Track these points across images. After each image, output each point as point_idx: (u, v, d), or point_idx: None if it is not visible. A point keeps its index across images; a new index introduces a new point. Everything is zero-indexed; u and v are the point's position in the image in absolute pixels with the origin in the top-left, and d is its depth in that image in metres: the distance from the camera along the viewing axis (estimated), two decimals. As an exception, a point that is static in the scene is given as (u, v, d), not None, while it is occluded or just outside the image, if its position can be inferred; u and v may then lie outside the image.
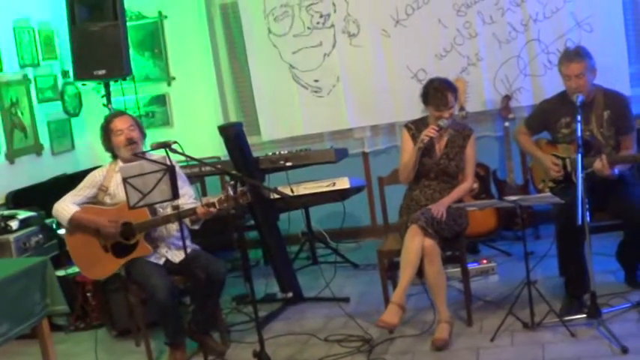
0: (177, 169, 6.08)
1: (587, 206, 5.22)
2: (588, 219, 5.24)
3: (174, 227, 5.87)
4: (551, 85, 7.49)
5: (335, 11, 8.53)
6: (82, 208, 5.96)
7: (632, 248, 6.12)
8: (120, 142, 5.98)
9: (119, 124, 6.02)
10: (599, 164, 5.69)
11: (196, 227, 6.01)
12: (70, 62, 8.00)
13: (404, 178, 6.22)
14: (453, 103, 6.11)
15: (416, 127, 6.22)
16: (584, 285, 5.67)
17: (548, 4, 8.09)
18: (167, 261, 5.95)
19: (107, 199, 6.01)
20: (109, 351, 6.49)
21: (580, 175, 5.29)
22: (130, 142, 5.96)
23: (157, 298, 5.60)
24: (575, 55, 6.03)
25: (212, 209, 5.64)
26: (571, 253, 5.83)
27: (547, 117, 6.33)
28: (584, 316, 5.58)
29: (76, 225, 5.95)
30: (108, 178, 5.99)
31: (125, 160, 5.97)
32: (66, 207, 5.95)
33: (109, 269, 5.99)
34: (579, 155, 5.40)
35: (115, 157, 6.13)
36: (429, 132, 5.97)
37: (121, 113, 6.30)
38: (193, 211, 5.73)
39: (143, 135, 6.13)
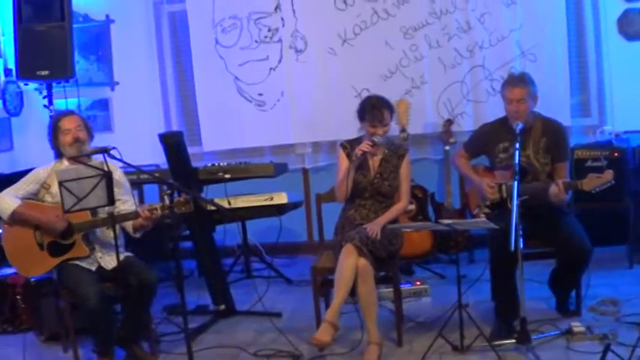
0: (123, 177, 6.08)
1: (520, 233, 5.27)
2: (521, 245, 5.28)
3: (111, 233, 5.81)
4: (493, 111, 7.57)
5: (283, 26, 8.55)
6: (24, 203, 5.88)
7: (565, 277, 6.18)
8: (66, 141, 5.93)
9: (67, 123, 5.97)
10: (555, 189, 5.77)
11: (138, 235, 5.97)
12: (14, 61, 7.90)
13: (339, 195, 6.23)
14: (389, 120, 6.15)
15: (351, 145, 6.23)
16: (515, 310, 5.69)
17: (494, 32, 8.19)
18: (99, 267, 5.89)
19: (48, 198, 5.93)
20: (36, 356, 6.38)
21: (515, 201, 5.34)
22: (77, 141, 5.91)
23: (87, 304, 5.53)
24: (519, 80, 6.12)
25: (155, 213, 5.60)
26: (503, 279, 5.87)
27: (486, 141, 6.40)
28: (514, 341, 5.60)
29: (17, 219, 5.86)
30: (51, 176, 5.90)
31: (70, 160, 5.92)
32: (8, 200, 5.86)
33: (43, 267, 5.90)
34: (515, 182, 5.45)
35: (60, 155, 6.07)
36: (363, 147, 5.99)
37: (70, 113, 6.23)
38: (134, 214, 5.69)
39: (91, 136, 6.07)
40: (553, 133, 6.19)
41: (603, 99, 8.28)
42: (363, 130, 6.26)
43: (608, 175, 5.60)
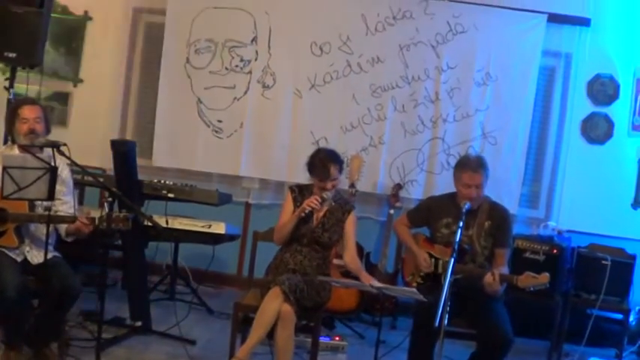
0: (69, 177, 6.02)
1: (447, 309, 5.28)
2: (446, 322, 5.29)
3: (44, 229, 5.73)
4: (444, 184, 7.63)
5: (256, 59, 8.58)
6: None
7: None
8: (22, 129, 5.87)
9: (27, 112, 5.92)
10: (490, 278, 5.78)
11: (69, 240, 5.90)
12: (-17, 38, 7.82)
13: (278, 238, 6.22)
14: (337, 175, 6.16)
15: (299, 191, 6.25)
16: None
17: (460, 108, 8.29)
18: (25, 260, 5.81)
19: (-10, 181, 5.85)
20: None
21: (448, 278, 5.35)
22: (32, 132, 5.84)
23: (5, 294, 5.43)
24: (479, 166, 6.13)
25: (90, 227, 5.55)
26: (422, 351, 5.87)
27: (430, 213, 6.42)
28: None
29: None
30: (-2, 159, 5.84)
31: (20, 147, 5.85)
32: None
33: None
34: (452, 259, 5.46)
35: (13, 141, 6.01)
36: (311, 202, 5.99)
37: (32, 102, 6.16)
38: (72, 219, 5.62)
39: (47, 130, 6.02)
40: (498, 218, 6.23)
41: (553, 194, 8.41)
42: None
43: (545, 278, 5.63)
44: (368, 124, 8.45)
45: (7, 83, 7.85)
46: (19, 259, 5.79)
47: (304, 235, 6.15)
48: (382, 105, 8.42)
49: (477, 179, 6.09)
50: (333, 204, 6.24)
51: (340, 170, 6.21)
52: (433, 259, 6.21)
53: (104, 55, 8.91)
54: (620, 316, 7.56)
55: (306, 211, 6.01)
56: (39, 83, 8.44)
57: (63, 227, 5.81)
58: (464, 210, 5.90)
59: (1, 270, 5.57)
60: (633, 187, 8.13)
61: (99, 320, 5.44)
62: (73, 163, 5.56)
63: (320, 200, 6.01)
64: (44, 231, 5.56)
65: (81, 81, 9.01)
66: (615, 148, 8.31)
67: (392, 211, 8.10)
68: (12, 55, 7.63)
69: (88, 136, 8.54)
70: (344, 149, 8.09)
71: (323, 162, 6.12)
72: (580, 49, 8.29)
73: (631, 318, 7.58)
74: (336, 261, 7.14)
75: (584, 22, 8.23)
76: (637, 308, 7.70)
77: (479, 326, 5.96)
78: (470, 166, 6.16)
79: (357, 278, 6.06)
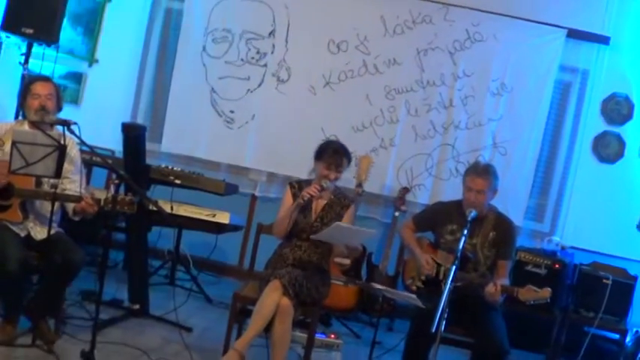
0: (77, 156, 6.02)
1: (445, 316, 5.27)
2: (443, 328, 5.28)
3: (49, 207, 5.72)
4: (451, 191, 7.64)
5: (272, 53, 8.59)
6: None
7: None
8: (32, 105, 5.87)
9: (39, 88, 5.92)
10: (492, 289, 5.77)
11: (77, 219, 5.89)
12: (2, 11, 7.81)
13: (277, 232, 6.22)
14: (344, 169, 6.18)
15: (299, 186, 6.25)
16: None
17: (473, 117, 8.29)
18: (28, 235, 5.82)
19: (-1, 153, 5.86)
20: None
21: (449, 285, 5.33)
22: (42, 109, 5.84)
23: (7, 267, 5.43)
24: (484, 171, 6.12)
25: (94, 208, 5.56)
26: (417, 356, 5.85)
27: (436, 219, 6.41)
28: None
29: None
30: (9, 134, 5.82)
31: (30, 124, 5.86)
32: None
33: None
34: (454, 267, 5.45)
35: (24, 116, 6.02)
36: (311, 190, 5.99)
37: (46, 79, 6.14)
38: (77, 198, 5.62)
39: (59, 108, 6.01)
40: (503, 229, 6.22)
41: (559, 209, 8.41)
42: (314, 172, 6.28)
43: (546, 292, 5.62)
44: (380, 125, 8.45)
45: (22, 59, 7.86)
46: (22, 234, 5.79)
47: (303, 230, 6.15)
48: (395, 107, 8.43)
49: (480, 184, 6.07)
50: (332, 197, 6.24)
51: (347, 164, 6.23)
52: (435, 265, 6.20)
53: (121, 38, 8.91)
54: (617, 336, 7.57)
55: (305, 199, 6.00)
56: (54, 61, 8.45)
57: (70, 206, 5.80)
58: (469, 218, 5.89)
59: (4, 244, 5.57)
60: (640, 208, 8.14)
61: (97, 300, 5.42)
62: (82, 143, 5.56)
63: (319, 188, 6.01)
64: (49, 208, 5.56)
65: (96, 61, 9.01)
66: (625, 169, 8.31)
67: (397, 214, 8.10)
68: (29, 30, 7.67)
69: (99, 116, 8.54)
70: (354, 149, 8.04)
71: (336, 150, 6.16)
72: (597, 67, 8.29)
73: (628, 339, 7.56)
74: (337, 259, 7.14)
75: (603, 40, 8.22)
76: (634, 330, 7.67)
77: (475, 335, 5.95)
78: (474, 170, 6.17)
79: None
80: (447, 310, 5.24)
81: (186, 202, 7.49)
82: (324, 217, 6.20)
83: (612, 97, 8.27)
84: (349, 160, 6.25)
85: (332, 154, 6.13)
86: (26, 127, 5.86)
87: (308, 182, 6.26)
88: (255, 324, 5.63)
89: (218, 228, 7.48)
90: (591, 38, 8.24)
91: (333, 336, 7.07)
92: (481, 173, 6.11)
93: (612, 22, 8.24)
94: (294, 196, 6.19)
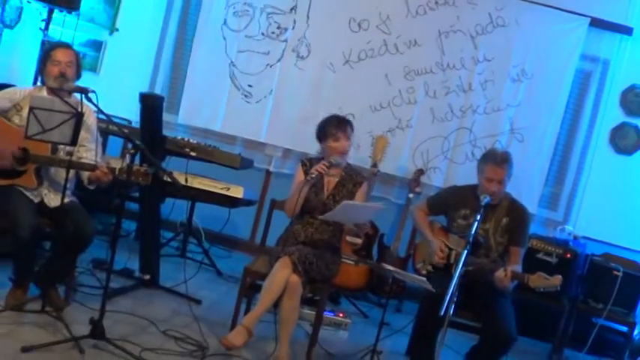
0: (94, 124, 6.03)
1: (454, 300, 5.26)
2: (452, 312, 5.28)
3: (64, 174, 5.72)
4: (466, 175, 7.58)
5: (293, 28, 8.56)
6: None
7: (483, 356, 6.16)
8: (52, 71, 5.86)
9: (60, 55, 5.91)
10: (502, 274, 5.75)
11: (92, 187, 5.89)
12: (24, -24, 7.84)
13: (288, 209, 6.21)
14: (348, 136, 6.18)
15: (310, 163, 6.24)
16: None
17: (491, 102, 8.26)
18: (42, 202, 5.83)
19: (16, 119, 5.82)
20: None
21: (459, 269, 5.33)
22: (62, 76, 5.84)
23: (19, 232, 5.45)
24: (503, 161, 6.08)
25: (109, 177, 5.57)
26: (424, 338, 5.86)
27: (450, 203, 6.40)
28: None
29: None
30: (27, 99, 5.81)
31: (49, 90, 5.86)
32: None
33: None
34: (465, 251, 5.44)
35: (42, 82, 6.02)
36: (320, 167, 6.00)
37: (67, 46, 6.14)
38: (92, 166, 5.62)
39: (78, 76, 6.01)
40: (517, 216, 6.20)
41: (574, 199, 8.38)
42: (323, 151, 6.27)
43: (557, 280, 5.61)
44: (397, 106, 8.43)
45: (42, 25, 7.86)
46: (36, 200, 5.80)
47: (315, 207, 6.15)
48: (414, 89, 8.40)
49: (500, 174, 6.05)
50: (344, 175, 6.24)
51: (352, 132, 6.24)
52: (447, 249, 6.19)
53: (143, 7, 8.91)
54: (625, 329, 7.54)
55: (313, 176, 5.99)
56: (74, 28, 8.44)
57: (85, 174, 5.80)
58: (483, 203, 5.88)
59: (17, 209, 5.59)
60: (654, 201, 8.11)
61: (108, 269, 5.43)
62: (99, 111, 5.56)
63: (327, 165, 6.01)
64: (64, 175, 5.58)
65: (117, 30, 9.00)
66: (642, 161, 8.27)
67: (411, 196, 8.08)
68: (51, -4, 7.66)
69: (117, 85, 8.55)
70: (370, 128, 8.11)
71: (339, 120, 6.21)
72: (619, 57, 8.24)
73: (635, 332, 7.54)
74: (349, 238, 7.15)
75: (626, 30, 8.17)
76: (643, 323, 7.67)
77: (484, 320, 5.95)
78: (495, 159, 6.11)
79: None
80: (457, 294, 5.24)
81: (201, 174, 7.49)
82: (335, 194, 6.20)
83: (632, 89, 8.22)
84: (352, 130, 6.25)
85: (337, 124, 6.14)
86: (44, 93, 5.87)
87: (319, 159, 6.24)
88: (263, 301, 5.64)
89: (231, 202, 7.47)
90: (614, 28, 8.19)
91: (341, 315, 7.10)
92: (501, 163, 6.07)
93: (636, 13, 8.17)
94: (306, 174, 6.17)
